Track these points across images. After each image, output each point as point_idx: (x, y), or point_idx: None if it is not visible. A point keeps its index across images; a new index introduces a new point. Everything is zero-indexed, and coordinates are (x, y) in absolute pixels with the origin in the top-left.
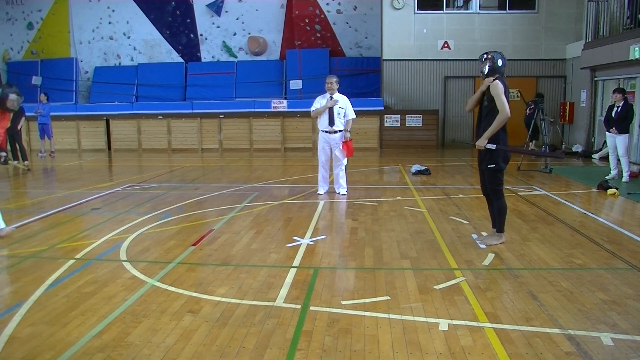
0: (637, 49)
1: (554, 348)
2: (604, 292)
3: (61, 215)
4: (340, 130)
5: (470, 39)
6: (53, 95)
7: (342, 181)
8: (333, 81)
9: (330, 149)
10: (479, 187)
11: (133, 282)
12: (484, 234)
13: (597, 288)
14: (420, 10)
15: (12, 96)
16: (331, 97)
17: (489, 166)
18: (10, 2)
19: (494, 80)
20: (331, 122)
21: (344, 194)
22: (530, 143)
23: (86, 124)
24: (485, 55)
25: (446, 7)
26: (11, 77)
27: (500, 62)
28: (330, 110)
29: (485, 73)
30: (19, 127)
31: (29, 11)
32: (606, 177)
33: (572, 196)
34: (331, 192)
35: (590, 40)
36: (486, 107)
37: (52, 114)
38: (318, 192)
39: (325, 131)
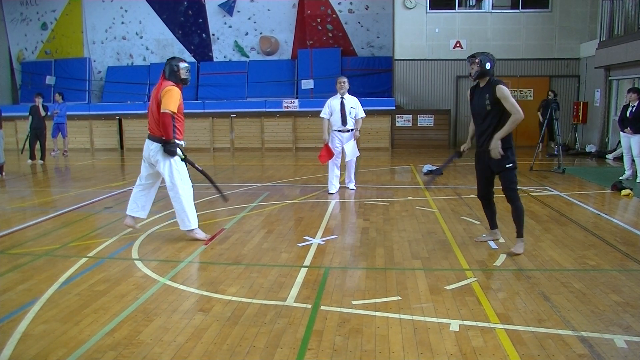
0: None
1: (567, 350)
2: (617, 294)
3: (74, 214)
4: (351, 129)
5: (482, 39)
6: (67, 95)
7: (352, 176)
8: (345, 81)
9: (342, 147)
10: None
11: (144, 281)
12: (501, 240)
13: (610, 290)
14: (432, 9)
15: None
16: (342, 98)
17: (508, 166)
18: (25, 3)
19: (497, 84)
20: (344, 121)
21: (353, 189)
22: (551, 142)
23: (99, 123)
24: (472, 59)
25: (458, 6)
26: (25, 77)
27: (488, 65)
28: (343, 110)
29: (474, 77)
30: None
31: (43, 11)
32: (620, 178)
33: (586, 197)
34: (341, 191)
35: (604, 39)
36: (488, 111)
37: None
38: (329, 192)
39: (339, 130)
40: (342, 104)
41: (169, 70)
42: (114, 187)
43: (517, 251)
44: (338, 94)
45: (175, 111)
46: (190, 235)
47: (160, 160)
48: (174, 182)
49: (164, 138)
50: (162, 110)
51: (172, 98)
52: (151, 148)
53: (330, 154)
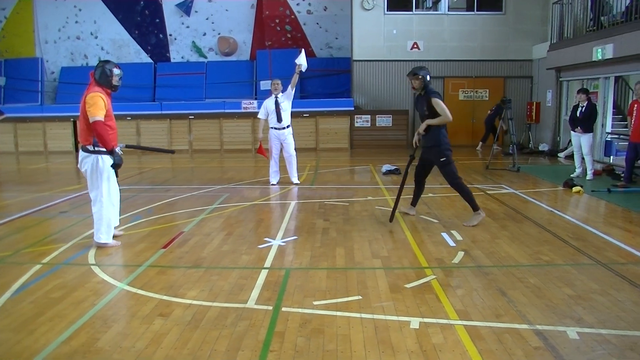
0: (599, 50)
1: (523, 343)
2: (570, 288)
3: (27, 219)
4: (288, 126)
5: (439, 40)
6: (18, 96)
7: (294, 171)
8: (279, 83)
9: (281, 144)
10: (449, 186)
11: (102, 287)
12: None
13: (563, 284)
14: (389, 11)
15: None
16: (276, 97)
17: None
18: None
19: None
20: (279, 119)
21: (298, 182)
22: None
23: (53, 126)
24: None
25: (415, 7)
26: None
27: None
28: (277, 108)
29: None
30: None
31: None
32: (571, 175)
33: (540, 194)
34: (301, 192)
35: (555, 41)
36: (426, 116)
37: (16, 115)
38: (271, 183)
39: (275, 128)
40: (276, 103)
41: (101, 72)
42: (70, 190)
43: (471, 223)
44: (273, 95)
45: (103, 118)
46: (99, 245)
47: (89, 171)
48: (98, 197)
49: (96, 148)
50: (91, 121)
51: (96, 105)
52: (80, 159)
53: (262, 149)
